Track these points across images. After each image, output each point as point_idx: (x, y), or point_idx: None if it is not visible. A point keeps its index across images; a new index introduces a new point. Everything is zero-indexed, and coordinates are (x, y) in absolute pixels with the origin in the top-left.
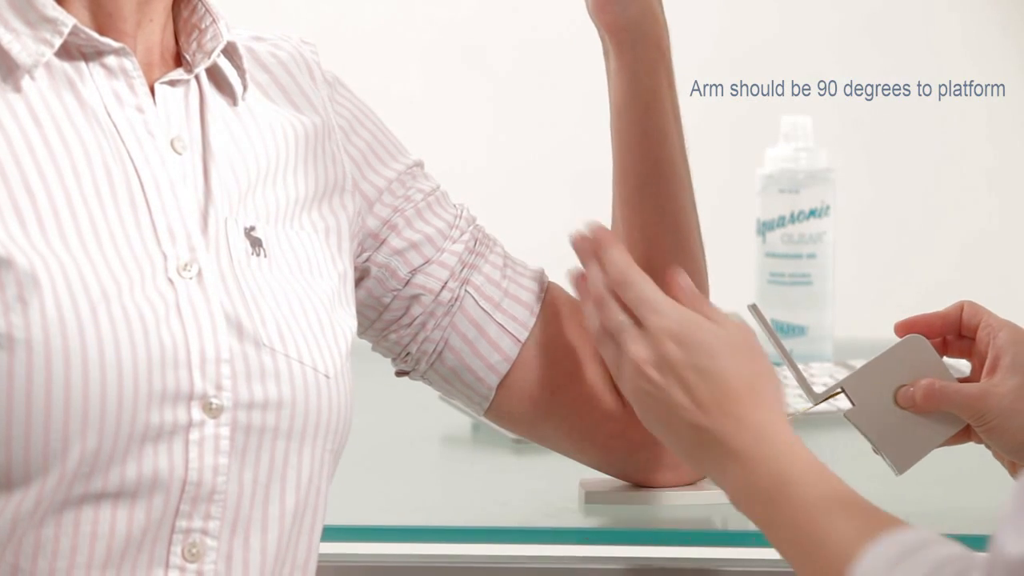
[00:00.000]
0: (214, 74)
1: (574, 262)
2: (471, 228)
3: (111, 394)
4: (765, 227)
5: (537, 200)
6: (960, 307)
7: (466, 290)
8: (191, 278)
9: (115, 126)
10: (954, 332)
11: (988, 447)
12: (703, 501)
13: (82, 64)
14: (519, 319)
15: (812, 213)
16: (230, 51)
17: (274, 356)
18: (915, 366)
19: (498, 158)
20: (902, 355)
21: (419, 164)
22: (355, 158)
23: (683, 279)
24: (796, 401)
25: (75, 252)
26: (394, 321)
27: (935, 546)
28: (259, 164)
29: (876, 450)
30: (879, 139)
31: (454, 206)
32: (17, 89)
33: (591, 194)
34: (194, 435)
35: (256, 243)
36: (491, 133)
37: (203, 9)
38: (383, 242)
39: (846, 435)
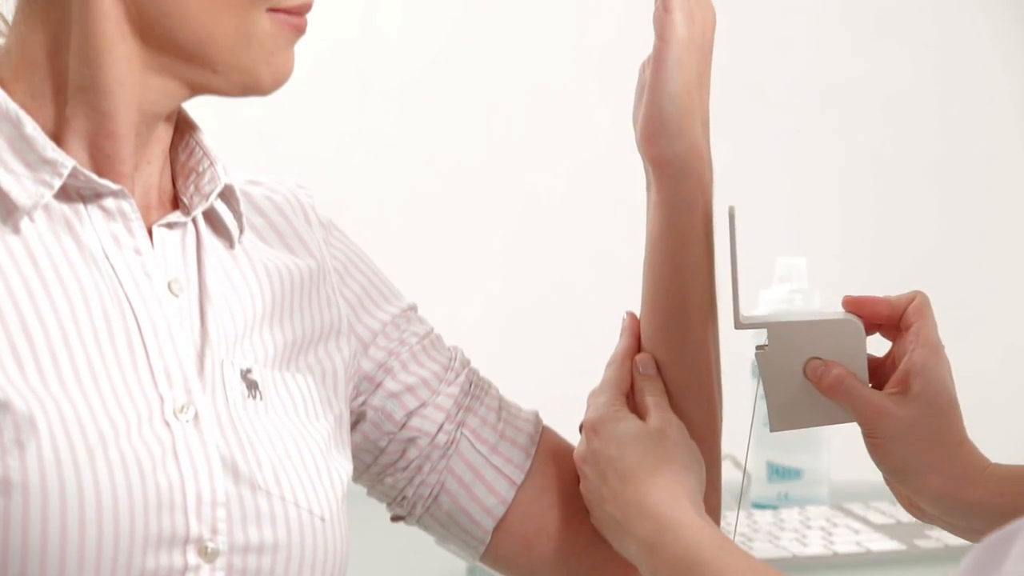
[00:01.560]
0: (211, 217)
1: (569, 406)
2: (466, 371)
3: (107, 538)
4: None
5: (532, 343)
6: (910, 299)
7: (462, 433)
8: (187, 421)
9: (113, 268)
10: (894, 322)
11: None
12: None
13: (80, 206)
14: (515, 461)
15: None
16: (227, 194)
17: (270, 499)
18: (839, 348)
19: (493, 301)
20: (833, 331)
21: (413, 307)
22: (350, 301)
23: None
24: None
25: (73, 395)
26: (390, 464)
27: None
28: (255, 307)
29: (764, 398)
30: (874, 280)
31: (448, 349)
32: (16, 231)
33: (587, 335)
34: None
35: (252, 385)
36: (486, 276)
37: (201, 152)
38: (379, 385)
39: None
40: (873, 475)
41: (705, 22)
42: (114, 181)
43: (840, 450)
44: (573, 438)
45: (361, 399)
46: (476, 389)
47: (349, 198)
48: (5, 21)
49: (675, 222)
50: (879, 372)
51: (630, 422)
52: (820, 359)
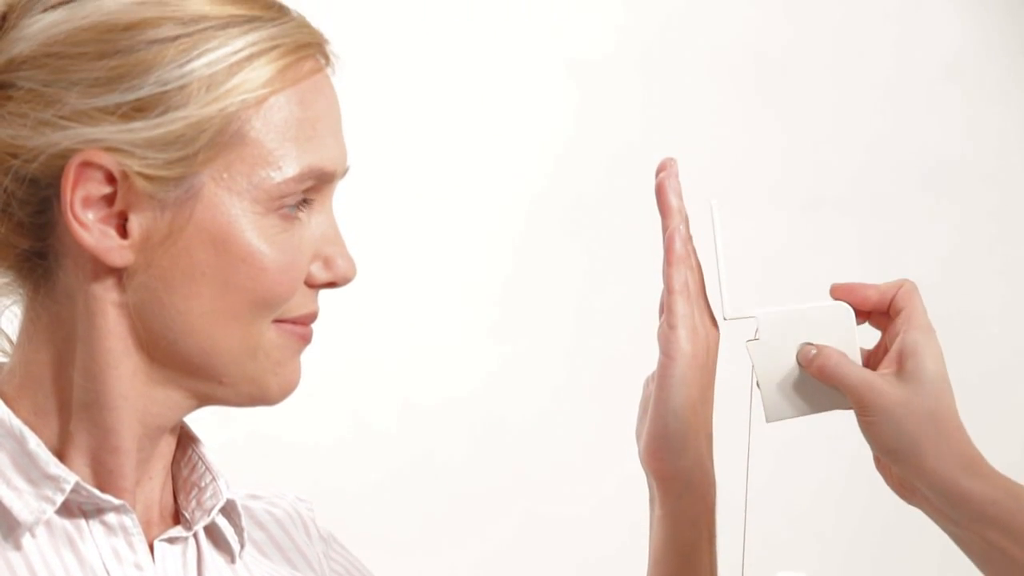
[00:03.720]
0: (212, 531)
1: None
2: None
3: None
4: None
5: None
6: (898, 286)
7: None
8: None
9: None
10: (883, 308)
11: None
12: None
13: (82, 521)
14: None
15: None
16: (228, 509)
17: None
18: (830, 332)
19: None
20: (823, 317)
21: None
22: None
23: None
24: None
25: None
26: None
27: None
28: None
29: (758, 388)
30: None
31: None
32: (17, 547)
33: None
34: None
35: None
36: (487, 569)
37: (203, 467)
38: None
39: None
40: None
41: (709, 339)
42: (116, 496)
43: None
44: None
45: None
46: None
47: (346, 507)
48: (9, 340)
49: (678, 537)
50: (871, 362)
51: None
52: (811, 344)
